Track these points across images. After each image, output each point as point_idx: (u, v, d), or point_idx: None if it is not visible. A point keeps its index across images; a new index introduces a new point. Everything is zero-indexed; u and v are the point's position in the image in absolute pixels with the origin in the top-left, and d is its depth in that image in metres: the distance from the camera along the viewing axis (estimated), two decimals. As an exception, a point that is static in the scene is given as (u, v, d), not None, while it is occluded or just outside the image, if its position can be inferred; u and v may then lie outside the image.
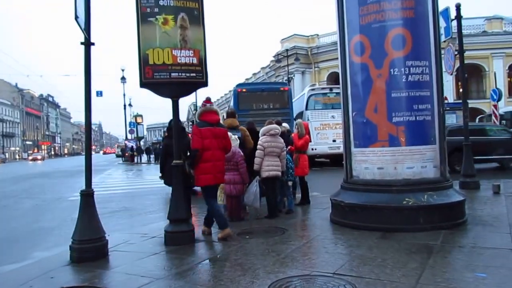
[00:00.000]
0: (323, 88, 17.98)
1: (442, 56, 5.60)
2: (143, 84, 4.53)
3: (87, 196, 4.20)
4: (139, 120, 38.85)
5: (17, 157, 77.01)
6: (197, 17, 4.61)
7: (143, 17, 4.44)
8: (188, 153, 4.94)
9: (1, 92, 75.28)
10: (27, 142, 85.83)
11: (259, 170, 5.79)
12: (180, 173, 4.67)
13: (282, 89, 15.49)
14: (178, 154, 4.76)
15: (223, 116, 10.55)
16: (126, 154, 36.77)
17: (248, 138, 6.23)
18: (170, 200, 4.72)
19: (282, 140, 6.07)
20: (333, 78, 33.18)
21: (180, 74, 4.54)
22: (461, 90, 24.94)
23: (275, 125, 6.05)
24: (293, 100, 16.29)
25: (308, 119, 15.51)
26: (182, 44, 4.53)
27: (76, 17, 3.86)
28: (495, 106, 16.16)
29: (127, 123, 37.23)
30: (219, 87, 74.74)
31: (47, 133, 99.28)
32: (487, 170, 11.43)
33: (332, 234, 4.80)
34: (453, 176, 5.52)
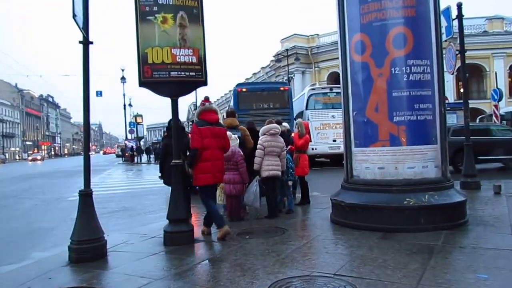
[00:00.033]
0: (323, 88, 17.94)
1: (443, 55, 5.57)
2: (142, 83, 4.50)
3: (86, 196, 4.17)
4: (139, 120, 38.87)
5: (17, 157, 77.03)
6: (196, 16, 4.59)
7: (142, 15, 4.41)
8: (188, 153, 4.92)
9: (1, 93, 75.34)
10: (27, 143, 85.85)
11: (259, 170, 5.77)
12: (179, 173, 4.65)
13: (282, 88, 15.46)
14: (178, 153, 4.73)
15: (223, 116, 10.52)
16: (126, 154, 36.78)
17: (248, 138, 6.21)
18: (169, 200, 4.69)
19: (282, 140, 6.04)
20: (333, 78, 33.18)
21: (179, 73, 4.52)
22: (461, 90, 24.96)
23: (275, 125, 6.02)
24: (293, 100, 16.27)
25: (308, 119, 15.48)
26: (182, 43, 4.51)
27: (74, 16, 3.83)
28: (496, 106, 16.15)
29: (127, 123, 37.26)
30: (219, 87, 74.88)
31: (47, 133, 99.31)
32: (490, 170, 11.40)
33: (333, 234, 4.77)
34: (454, 176, 5.49)
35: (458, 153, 9.09)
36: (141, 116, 39.79)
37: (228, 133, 5.30)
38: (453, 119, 14.78)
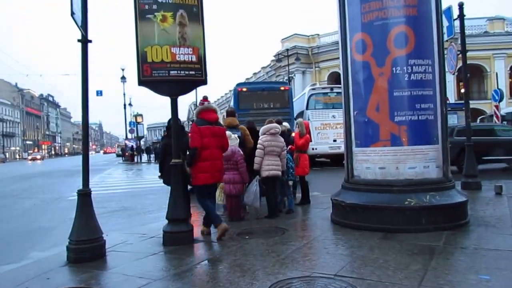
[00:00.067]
0: (323, 88, 17.94)
1: (445, 55, 5.54)
2: (141, 82, 4.48)
3: (85, 195, 4.14)
4: (139, 119, 38.86)
5: (17, 157, 77.07)
6: (196, 14, 4.56)
7: (142, 14, 4.39)
8: (188, 152, 4.89)
9: (1, 92, 75.36)
10: (27, 142, 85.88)
11: (259, 170, 5.74)
12: (179, 173, 4.62)
13: (282, 88, 15.41)
14: (177, 153, 4.70)
15: (223, 116, 10.49)
16: (126, 153, 36.76)
17: (248, 137, 6.18)
18: (169, 200, 4.66)
19: (282, 140, 6.02)
20: (334, 78, 33.14)
21: (179, 72, 4.49)
22: (462, 90, 24.92)
23: (275, 124, 6.00)
24: (293, 100, 16.22)
25: (308, 119, 15.47)
26: (181, 42, 4.48)
27: (72, 13, 3.80)
28: (496, 106, 16.12)
29: (127, 123, 37.23)
30: (219, 87, 74.85)
31: (47, 132, 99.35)
32: (495, 171, 11.35)
33: (333, 234, 4.74)
34: (456, 176, 5.46)
35: (462, 153, 9.06)
36: (141, 115, 39.79)
37: (228, 132, 5.28)
38: (454, 120, 14.75)
